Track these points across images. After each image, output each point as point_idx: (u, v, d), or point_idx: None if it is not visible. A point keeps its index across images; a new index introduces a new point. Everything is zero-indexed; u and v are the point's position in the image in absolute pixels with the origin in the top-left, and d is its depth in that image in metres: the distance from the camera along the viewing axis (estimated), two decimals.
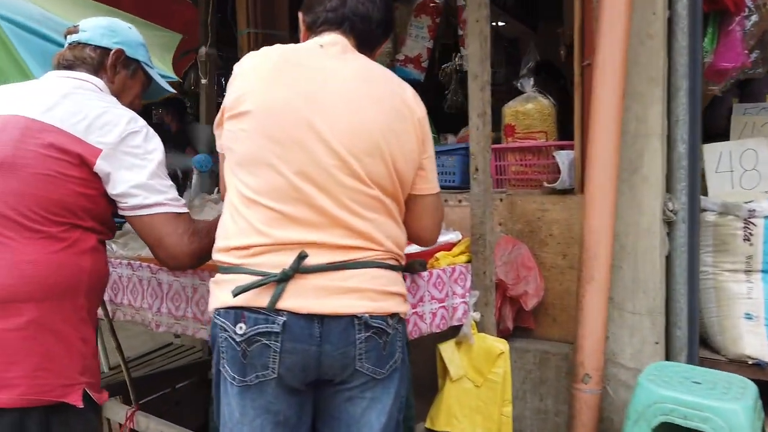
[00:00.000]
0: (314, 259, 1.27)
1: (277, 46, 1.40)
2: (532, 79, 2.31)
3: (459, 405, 2.02)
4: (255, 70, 1.35)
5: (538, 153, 2.30)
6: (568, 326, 2.20)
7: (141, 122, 1.44)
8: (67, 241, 1.36)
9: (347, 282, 1.28)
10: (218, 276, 1.34)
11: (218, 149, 1.45)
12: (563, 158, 2.13)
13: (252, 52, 1.41)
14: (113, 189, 1.39)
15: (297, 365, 1.27)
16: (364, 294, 1.29)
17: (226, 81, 1.41)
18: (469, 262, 2.09)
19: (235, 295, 1.24)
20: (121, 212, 1.43)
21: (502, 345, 2.01)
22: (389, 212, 1.37)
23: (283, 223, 1.28)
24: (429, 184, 1.48)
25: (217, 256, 1.35)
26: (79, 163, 1.35)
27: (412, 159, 1.40)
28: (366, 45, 1.47)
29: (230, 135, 1.34)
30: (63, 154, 1.34)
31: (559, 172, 2.29)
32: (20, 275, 1.30)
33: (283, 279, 1.24)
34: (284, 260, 1.26)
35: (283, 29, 3.19)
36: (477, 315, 2.04)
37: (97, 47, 1.56)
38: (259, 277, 1.25)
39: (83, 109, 1.39)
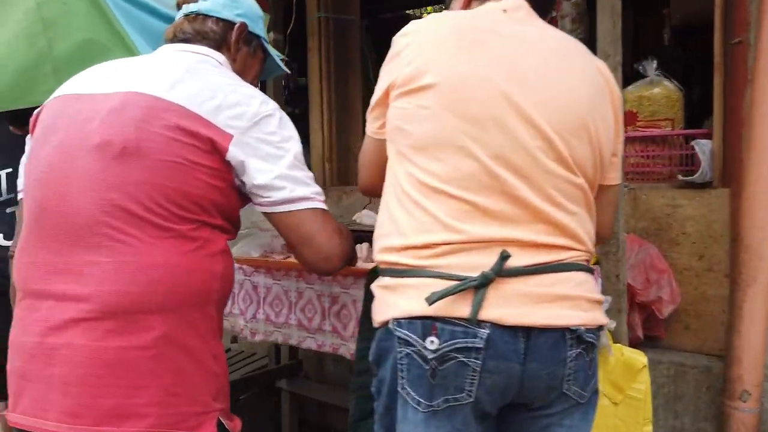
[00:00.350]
0: (515, 260, 1.05)
1: (448, 12, 1.19)
2: (655, 61, 2.09)
3: (594, 424, 1.81)
4: (432, 38, 1.14)
5: (663, 143, 2.09)
6: (704, 335, 1.99)
7: (273, 104, 1.23)
8: (198, 241, 1.14)
9: (554, 288, 1.07)
10: (389, 280, 1.12)
11: (372, 133, 1.23)
12: (703, 148, 1.91)
13: (416, 21, 1.19)
14: (253, 180, 1.16)
15: (497, 387, 1.06)
16: (575, 302, 1.08)
17: None
18: (596, 263, 1.88)
19: (431, 303, 1.02)
20: (260, 208, 1.21)
21: (642, 357, 1.80)
22: (589, 205, 1.16)
23: (475, 216, 1.07)
24: (618, 172, 1.27)
25: (386, 256, 1.14)
26: (210, 150, 1.13)
27: (611, 142, 1.19)
28: (542, 11, 1.26)
29: (402, 114, 1.13)
30: (192, 138, 1.12)
31: (686, 164, 2.08)
32: (148, 282, 1.08)
33: (483, 284, 1.03)
34: (480, 261, 1.05)
35: (354, 14, 2.97)
36: (612, 324, 1.83)
37: (219, 19, 1.33)
38: (454, 282, 1.04)
39: (210, 87, 1.17)
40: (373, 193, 1.30)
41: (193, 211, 1.13)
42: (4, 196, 2.21)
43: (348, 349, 1.65)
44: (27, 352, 1.10)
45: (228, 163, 1.15)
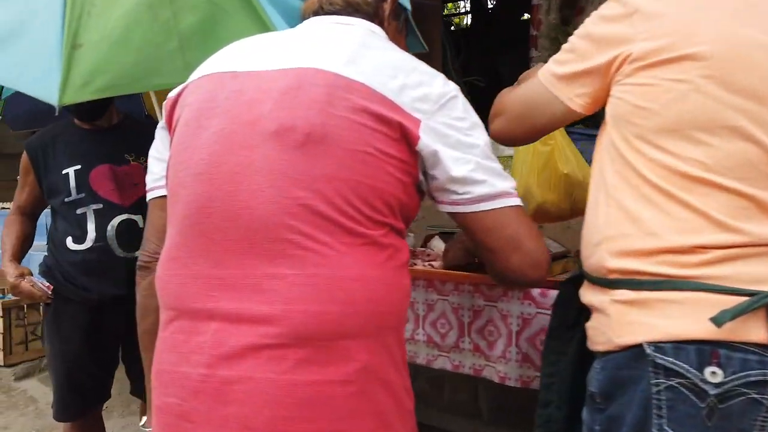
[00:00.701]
0: None
1: None
2: None
3: None
4: (677, 2, 0.94)
5: None
6: None
7: (454, 84, 1.02)
8: (388, 249, 0.93)
9: None
10: (630, 293, 0.91)
11: (565, 99, 1.04)
12: None
13: None
14: (449, 171, 0.95)
15: None
16: None
17: None
18: None
19: (720, 324, 0.81)
20: (451, 208, 0.99)
21: None
22: None
23: (755, 213, 0.87)
24: None
25: (623, 262, 0.92)
26: (399, 138, 0.92)
27: None
28: None
29: (645, 91, 0.92)
30: (381, 123, 0.91)
31: None
32: (346, 300, 0.87)
33: None
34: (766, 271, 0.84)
35: None
36: None
37: None
38: (742, 298, 0.82)
39: (389, 63, 0.96)
40: (509, 143, 1.21)
41: (383, 213, 0.92)
42: (74, 196, 1.99)
43: (496, 371, 1.43)
44: (189, 386, 0.88)
45: (416, 154, 0.94)
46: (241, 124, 0.92)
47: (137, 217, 2.02)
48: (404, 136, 0.93)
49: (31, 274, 1.98)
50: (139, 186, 2.06)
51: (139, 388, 2.13)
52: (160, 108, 2.79)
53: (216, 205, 0.91)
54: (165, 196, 1.05)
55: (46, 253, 2.08)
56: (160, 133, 1.09)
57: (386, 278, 0.91)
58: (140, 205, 2.01)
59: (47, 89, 1.27)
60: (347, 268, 0.87)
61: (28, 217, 2.12)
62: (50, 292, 1.97)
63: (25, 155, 2.07)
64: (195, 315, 0.90)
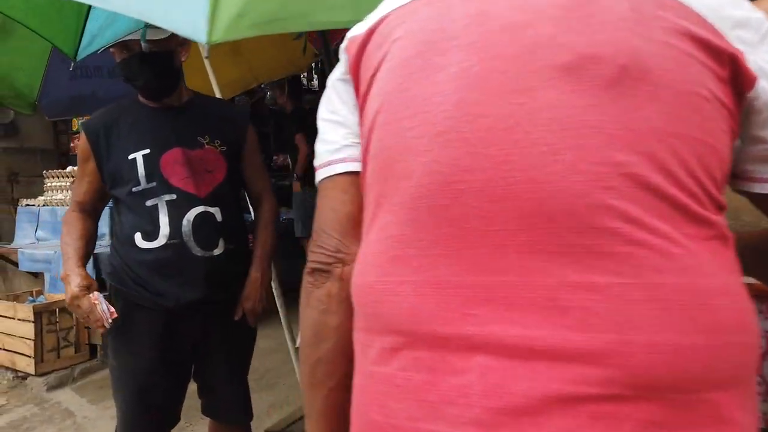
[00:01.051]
0: None
1: None
2: None
3: None
4: None
5: None
6: None
7: (761, 11, 0.70)
8: (730, 243, 0.62)
9: None
10: None
11: None
12: None
13: None
14: None
15: None
16: None
17: None
18: None
19: None
20: None
21: None
22: None
23: None
24: None
25: None
26: (727, 78, 0.61)
27: None
28: None
29: None
30: (708, 55, 0.60)
31: None
32: (714, 326, 0.55)
33: None
34: None
35: None
36: None
37: None
38: None
39: None
40: None
41: (721, 189, 0.61)
42: (143, 185, 1.66)
43: None
44: None
45: (741, 105, 0.62)
46: (502, 59, 0.61)
47: (214, 210, 1.69)
48: (734, 75, 0.61)
49: (98, 290, 1.61)
50: (214, 173, 1.74)
51: (216, 408, 1.81)
52: (220, 89, 2.48)
53: (475, 179, 0.59)
54: (353, 173, 0.73)
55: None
56: (339, 87, 0.76)
57: (744, 290, 0.59)
58: (216, 196, 1.69)
59: (191, 23, 0.95)
60: (707, 276, 0.55)
61: (89, 214, 1.77)
62: (111, 320, 1.56)
63: (83, 139, 1.74)
64: (443, 343, 0.58)
